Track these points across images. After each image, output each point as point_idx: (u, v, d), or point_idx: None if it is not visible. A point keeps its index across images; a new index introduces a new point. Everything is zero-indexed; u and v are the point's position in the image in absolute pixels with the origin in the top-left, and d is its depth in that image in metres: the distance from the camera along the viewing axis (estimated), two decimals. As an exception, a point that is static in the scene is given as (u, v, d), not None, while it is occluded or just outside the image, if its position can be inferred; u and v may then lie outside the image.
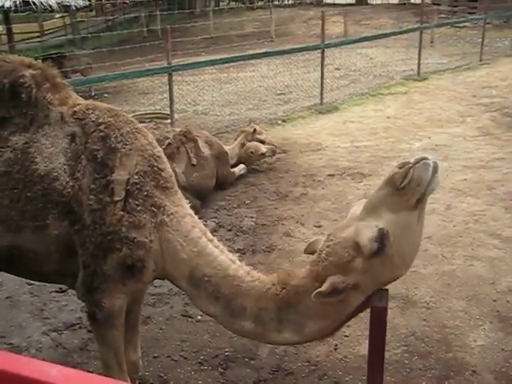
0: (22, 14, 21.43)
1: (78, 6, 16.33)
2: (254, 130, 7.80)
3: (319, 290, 2.16)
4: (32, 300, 4.58)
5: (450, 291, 4.42)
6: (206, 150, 6.67)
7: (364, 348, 3.56)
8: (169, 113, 9.40)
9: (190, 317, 4.24)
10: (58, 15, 25.65)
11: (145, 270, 2.58)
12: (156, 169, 2.61)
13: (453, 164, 7.27)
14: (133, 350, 3.13)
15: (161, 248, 2.58)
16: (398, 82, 13.17)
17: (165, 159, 2.73)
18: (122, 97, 13.56)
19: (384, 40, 16.55)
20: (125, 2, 30.19)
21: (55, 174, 2.52)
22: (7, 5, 13.61)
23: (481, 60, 15.16)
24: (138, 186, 2.53)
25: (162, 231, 2.57)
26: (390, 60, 16.26)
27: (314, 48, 11.80)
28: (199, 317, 4.16)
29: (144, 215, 2.53)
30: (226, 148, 7.26)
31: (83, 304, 2.75)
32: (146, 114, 10.31)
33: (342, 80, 13.80)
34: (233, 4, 38.10)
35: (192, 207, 2.83)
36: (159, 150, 2.71)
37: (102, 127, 2.58)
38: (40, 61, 3.05)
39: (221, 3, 37.05)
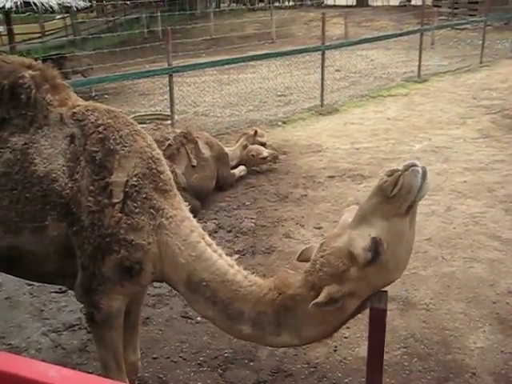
0: (22, 15, 21.49)
1: (79, 7, 16.30)
2: (256, 133, 7.81)
3: (316, 300, 2.18)
4: (31, 301, 4.59)
5: (450, 293, 4.42)
6: (206, 152, 6.68)
7: (363, 350, 3.55)
8: (169, 114, 9.41)
9: (190, 318, 4.24)
10: (58, 16, 25.65)
11: (143, 272, 2.58)
12: (155, 171, 2.60)
13: (453, 166, 7.28)
14: (132, 352, 3.13)
15: (159, 251, 2.57)
16: (399, 83, 13.18)
17: (164, 162, 2.73)
18: (122, 98, 13.57)
19: (384, 42, 16.59)
20: (126, 3, 30.22)
21: (54, 175, 2.52)
22: (8, 5, 13.60)
23: (481, 62, 15.15)
24: (137, 189, 2.53)
25: (161, 234, 2.56)
26: (390, 62, 16.28)
27: (315, 50, 11.81)
28: (199, 318, 4.16)
29: (142, 217, 2.52)
30: (227, 149, 7.27)
31: (82, 305, 2.75)
32: (146, 115, 10.33)
33: (343, 82, 13.82)
34: (233, 5, 38.12)
35: (192, 208, 2.83)
36: (158, 153, 2.71)
37: (100, 129, 2.58)
38: (40, 62, 3.05)
39: (221, 4, 37.11)
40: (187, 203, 2.79)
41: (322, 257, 2.25)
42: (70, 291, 4.22)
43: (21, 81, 2.65)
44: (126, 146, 2.57)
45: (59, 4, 14.63)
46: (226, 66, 13.41)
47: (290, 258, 5.06)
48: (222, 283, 2.51)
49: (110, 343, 2.73)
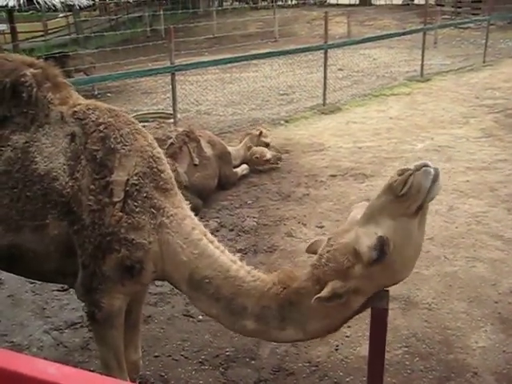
0: (25, 13, 21.54)
1: (82, 6, 16.31)
2: (260, 133, 7.80)
3: (320, 295, 2.17)
4: (34, 299, 4.59)
5: (452, 292, 4.41)
6: (208, 150, 6.68)
7: (365, 349, 3.55)
8: (171, 112, 9.41)
9: (191, 316, 4.24)
10: (61, 14, 25.68)
11: (144, 271, 2.58)
12: (155, 170, 2.60)
13: (455, 165, 7.26)
14: (133, 350, 3.14)
15: (160, 250, 2.57)
16: (401, 82, 13.16)
17: (164, 160, 2.72)
18: (124, 96, 13.59)
19: (387, 41, 16.55)
20: (128, 2, 30.15)
21: (55, 173, 2.52)
22: (11, 4, 13.62)
23: (484, 61, 15.11)
24: (137, 188, 2.52)
25: (162, 233, 2.56)
26: (393, 61, 16.25)
27: (317, 48, 11.79)
28: (200, 316, 4.17)
29: (143, 216, 2.52)
30: (230, 148, 7.27)
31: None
32: (148, 113, 10.35)
33: (345, 81, 13.80)
34: (236, 4, 38.14)
35: (193, 207, 2.83)
36: (159, 152, 2.70)
37: (101, 127, 2.58)
38: (42, 60, 3.05)
39: (224, 3, 37.07)
40: (188, 202, 2.79)
41: (328, 252, 2.24)
42: (71, 289, 4.22)
43: (22, 79, 2.65)
44: (126, 145, 2.57)
45: (62, 2, 14.65)
46: (229, 65, 13.41)
47: (292, 257, 5.07)
48: (225, 279, 2.50)
49: (110, 342, 2.73)
